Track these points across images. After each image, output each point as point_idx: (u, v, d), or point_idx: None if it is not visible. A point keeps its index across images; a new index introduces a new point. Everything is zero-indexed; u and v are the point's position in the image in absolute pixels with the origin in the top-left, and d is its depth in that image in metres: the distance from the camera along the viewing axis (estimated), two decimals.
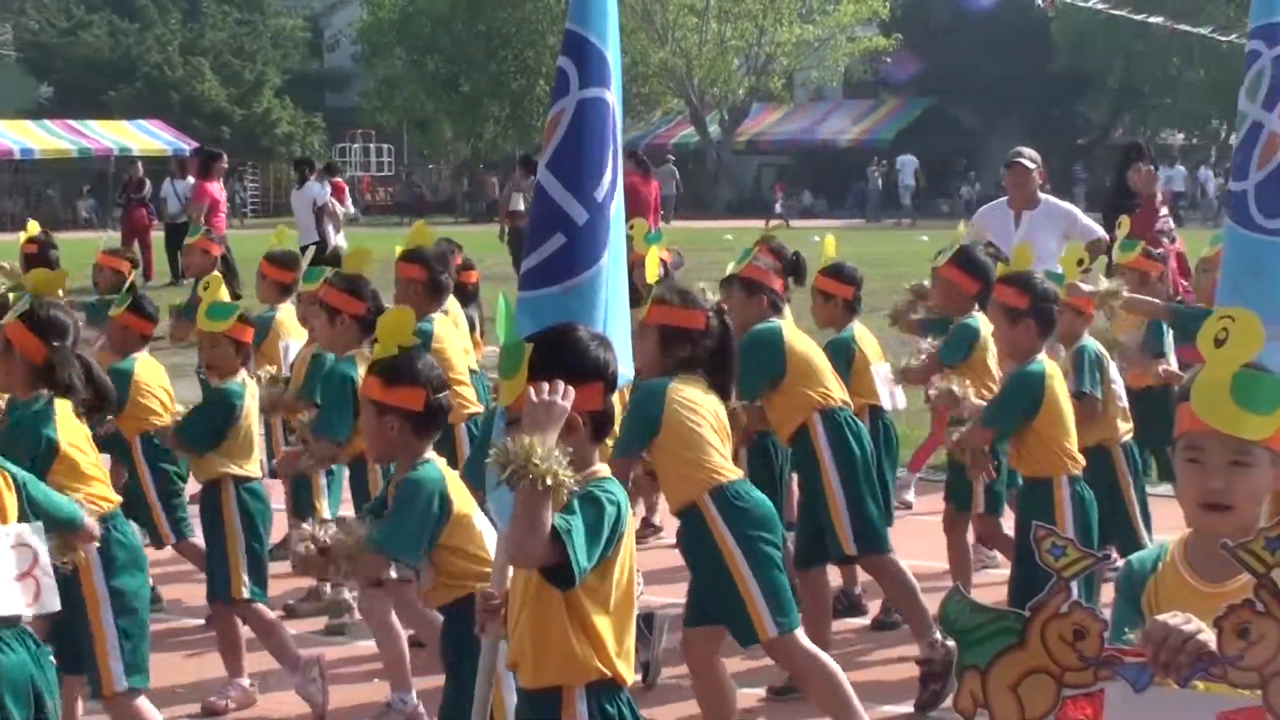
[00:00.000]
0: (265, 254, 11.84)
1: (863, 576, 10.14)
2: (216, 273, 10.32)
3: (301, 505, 10.65)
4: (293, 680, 8.73)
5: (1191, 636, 3.62)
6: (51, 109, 65.71)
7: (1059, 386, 8.38)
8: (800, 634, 7.59)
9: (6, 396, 7.32)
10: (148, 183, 36.69)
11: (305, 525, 6.65)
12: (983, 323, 9.62)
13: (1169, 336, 11.01)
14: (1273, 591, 3.56)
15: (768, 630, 7.42)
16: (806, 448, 8.93)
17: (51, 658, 6.02)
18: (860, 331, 10.00)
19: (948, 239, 10.57)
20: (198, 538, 9.84)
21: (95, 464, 7.01)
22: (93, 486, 6.86)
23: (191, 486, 9.86)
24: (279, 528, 10.36)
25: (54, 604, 5.75)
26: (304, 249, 25.46)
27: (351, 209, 33.07)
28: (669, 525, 11.68)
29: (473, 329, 11.56)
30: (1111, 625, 3.84)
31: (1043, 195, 13.49)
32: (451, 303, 11.08)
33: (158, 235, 34.31)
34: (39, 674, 5.81)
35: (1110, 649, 3.72)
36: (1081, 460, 8.42)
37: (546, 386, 4.87)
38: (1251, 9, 7.42)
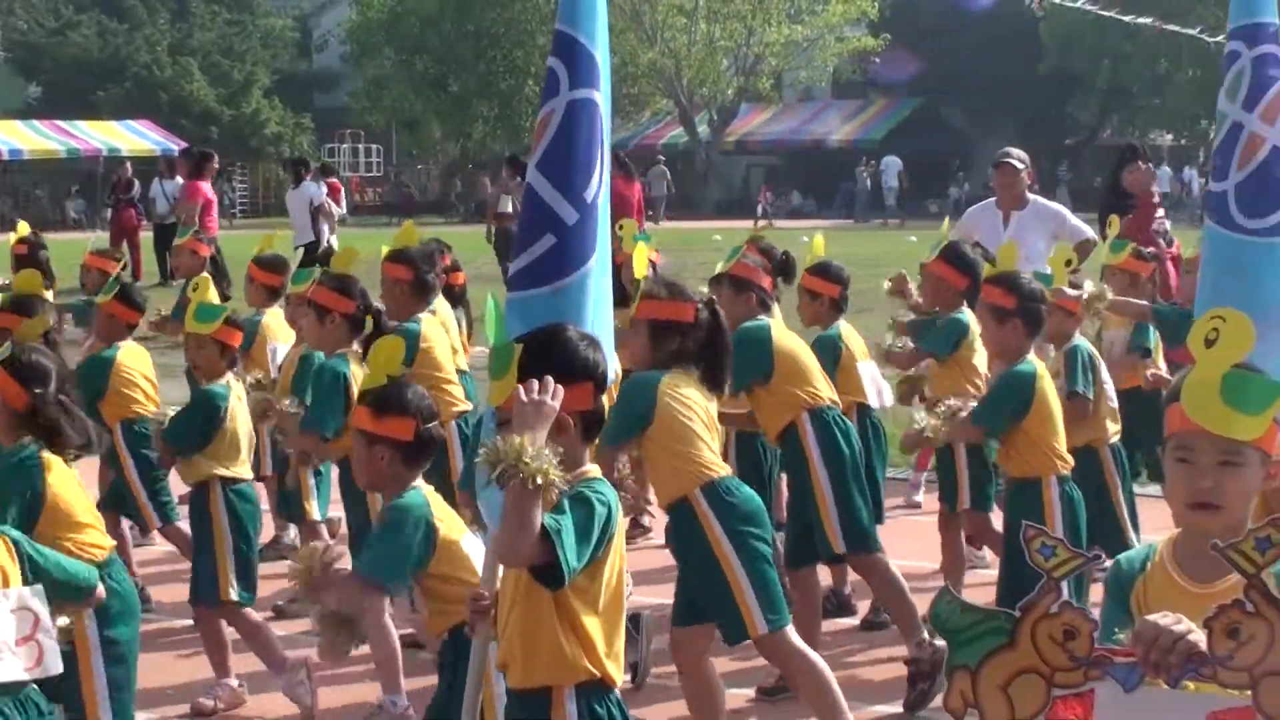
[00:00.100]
0: (253, 258, 11.82)
1: (852, 576, 10.14)
2: (206, 274, 10.33)
3: (290, 507, 10.64)
4: (280, 682, 8.72)
5: (1182, 637, 3.62)
6: (40, 109, 65.63)
7: (1048, 387, 8.40)
8: (790, 631, 7.58)
9: None
10: (136, 183, 36.63)
11: (318, 543, 6.71)
12: (972, 319, 9.63)
13: (1155, 336, 11.01)
14: (1263, 592, 3.56)
15: (758, 626, 7.42)
16: (795, 447, 8.93)
17: None
18: (847, 330, 10.01)
19: (935, 239, 10.60)
20: (184, 523, 9.85)
21: (88, 510, 6.88)
22: (86, 534, 6.75)
23: (182, 487, 9.85)
24: (267, 529, 10.35)
25: (56, 667, 5.70)
26: (299, 249, 25.53)
27: (344, 209, 33.03)
28: (658, 526, 11.69)
29: (460, 329, 11.55)
30: (1101, 625, 3.84)
31: (1031, 195, 13.50)
32: (440, 303, 11.08)
33: (146, 235, 34.25)
34: None
35: (1100, 649, 3.72)
36: (1070, 460, 8.43)
37: (536, 386, 4.87)
38: (1230, 10, 7.43)
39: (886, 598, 9.27)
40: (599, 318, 6.34)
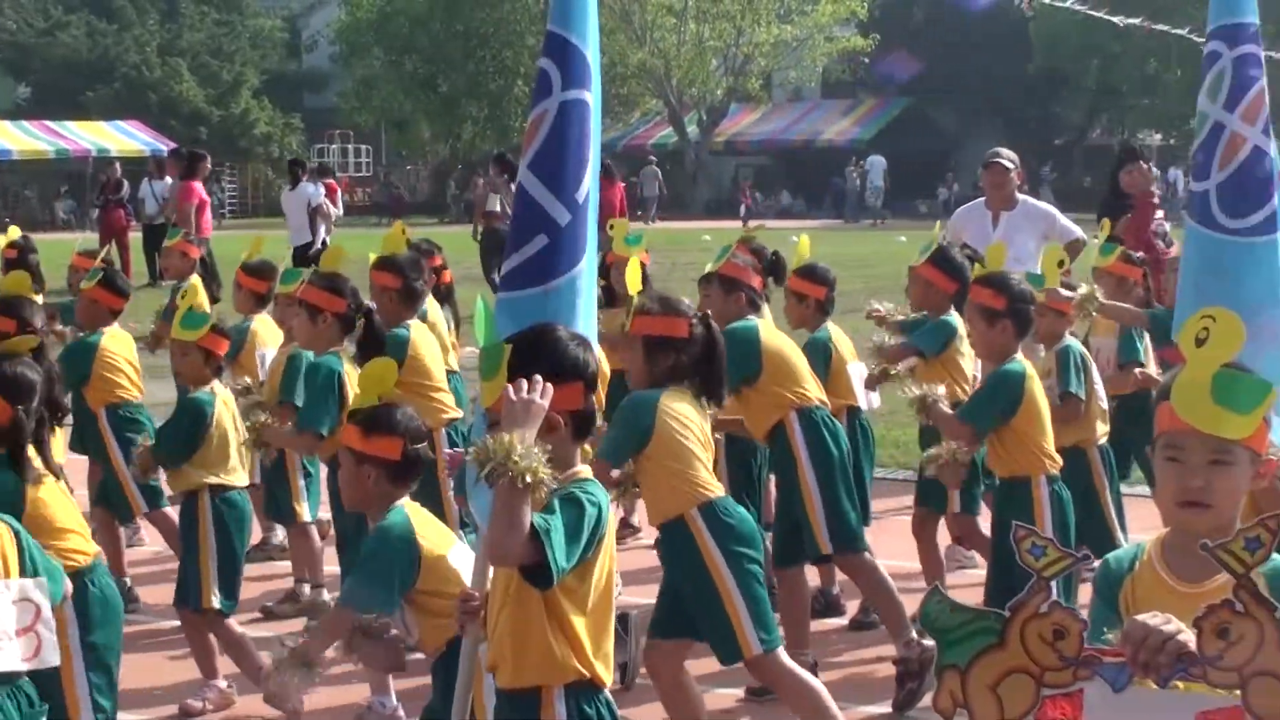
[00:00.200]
0: (241, 264, 11.81)
1: (840, 576, 10.14)
2: (196, 278, 10.33)
3: (279, 509, 10.63)
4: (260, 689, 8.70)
5: (1171, 637, 3.62)
6: (29, 110, 65.64)
7: (1036, 387, 8.40)
8: (782, 652, 7.57)
9: None
10: (125, 184, 36.60)
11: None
12: (960, 323, 9.64)
13: (1145, 343, 10.99)
14: (1252, 592, 3.56)
15: (752, 647, 7.40)
16: (783, 447, 8.93)
17: (44, 718, 5.96)
18: (836, 332, 10.02)
19: (925, 239, 10.59)
20: (170, 509, 9.84)
21: (71, 516, 6.86)
22: (68, 540, 6.72)
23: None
24: (255, 531, 10.34)
25: (54, 659, 5.72)
26: (296, 250, 25.46)
27: (341, 210, 32.97)
28: (647, 526, 11.68)
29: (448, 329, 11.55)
30: (1090, 625, 3.84)
31: (1020, 196, 13.49)
32: (431, 304, 11.09)
33: (135, 236, 34.21)
34: None
35: (1089, 649, 3.72)
36: (1059, 460, 8.43)
37: (525, 385, 4.87)
38: (1210, 10, 7.44)
39: (874, 597, 9.27)
40: (589, 318, 6.35)
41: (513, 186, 28.49)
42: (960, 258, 10.14)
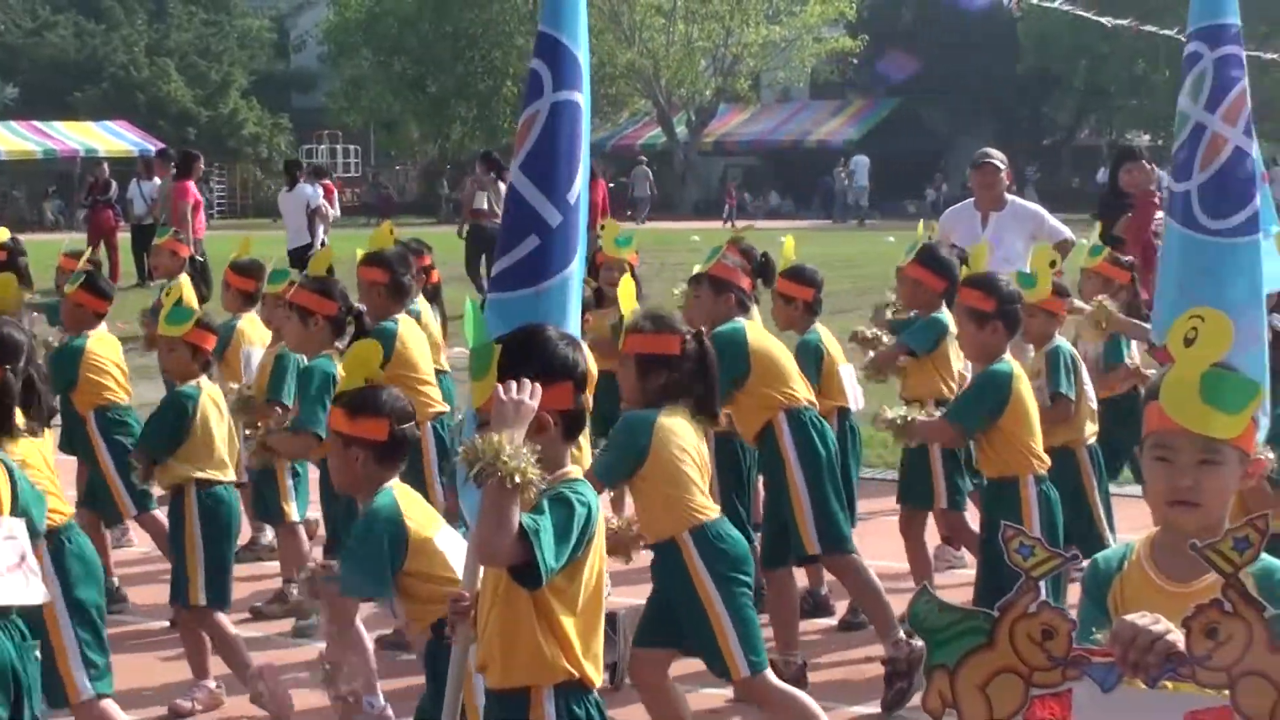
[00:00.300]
0: (229, 263, 11.81)
1: (829, 577, 10.14)
2: (185, 275, 10.31)
3: (267, 508, 10.62)
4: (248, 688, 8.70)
5: (1160, 637, 3.62)
6: (17, 110, 65.46)
7: (1025, 387, 8.41)
8: (770, 674, 7.56)
9: None
10: (114, 184, 36.54)
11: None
12: (951, 320, 9.64)
13: (1132, 348, 11.00)
14: (1240, 592, 3.57)
15: (740, 669, 7.39)
16: (772, 447, 8.93)
17: (36, 653, 5.99)
18: (825, 333, 10.02)
19: (912, 240, 10.61)
20: (159, 511, 9.84)
21: (48, 478, 6.90)
22: (46, 500, 6.77)
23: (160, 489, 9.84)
24: (244, 531, 10.33)
25: (42, 596, 5.77)
26: (292, 251, 25.42)
27: (338, 211, 32.90)
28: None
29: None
30: (1078, 625, 3.84)
31: (1009, 196, 13.50)
32: (425, 305, 11.09)
33: (124, 237, 34.15)
34: (21, 667, 5.79)
35: (1078, 649, 3.73)
36: (1046, 460, 8.44)
37: (515, 385, 4.87)
38: (1191, 11, 7.44)
39: (861, 598, 9.27)
40: (577, 319, 6.36)
41: (500, 184, 28.56)
42: (946, 254, 10.15)
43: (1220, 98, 7.21)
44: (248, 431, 9.87)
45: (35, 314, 12.28)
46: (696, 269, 9.39)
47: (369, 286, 9.95)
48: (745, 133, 75.57)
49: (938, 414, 8.80)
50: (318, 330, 9.21)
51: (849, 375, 10.02)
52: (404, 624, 6.66)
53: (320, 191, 28.84)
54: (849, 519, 9.20)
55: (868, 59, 70.61)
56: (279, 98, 74.01)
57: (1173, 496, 4.20)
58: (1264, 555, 3.78)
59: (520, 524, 4.77)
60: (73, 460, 10.78)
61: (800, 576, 9.71)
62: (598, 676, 5.22)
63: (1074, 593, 5.20)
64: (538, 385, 4.92)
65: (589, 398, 5.44)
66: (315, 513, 10.71)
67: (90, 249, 13.83)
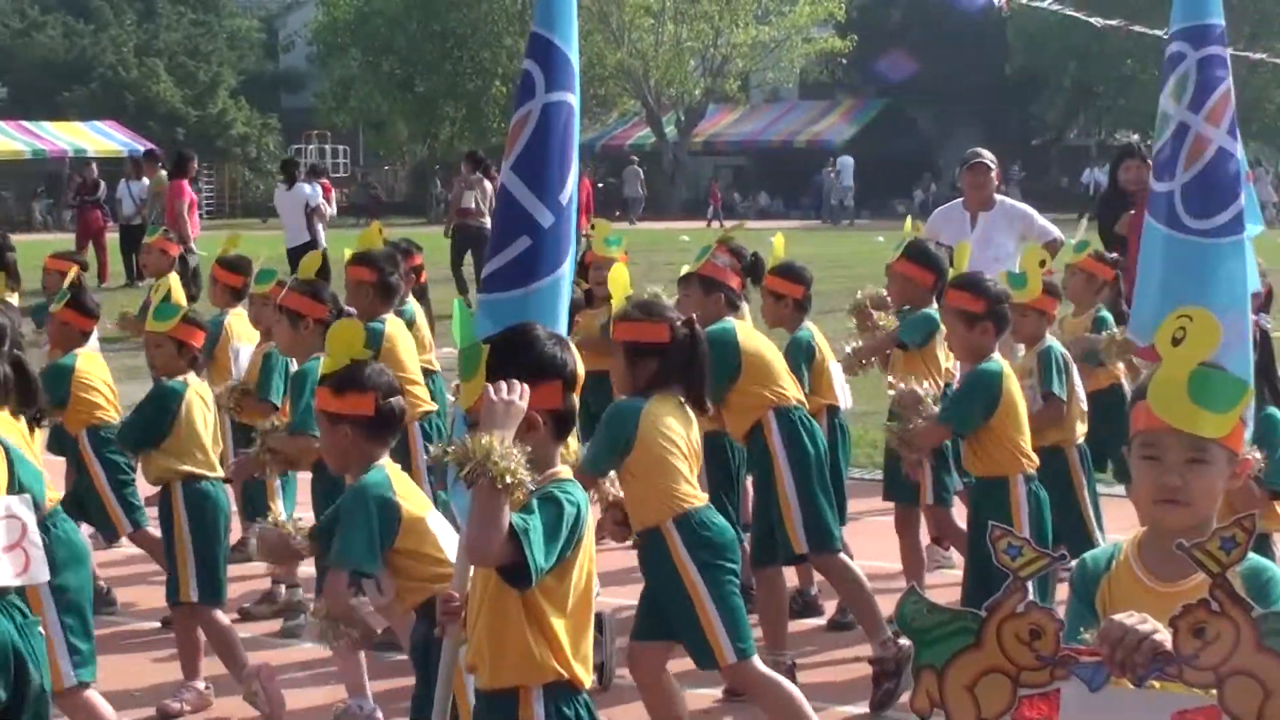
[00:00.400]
0: (216, 259, 11.81)
1: (819, 577, 10.14)
2: (174, 273, 10.30)
3: (256, 507, 10.60)
4: (242, 687, 8.69)
5: (1147, 636, 3.63)
6: (5, 110, 65.37)
7: (1014, 386, 8.41)
8: (757, 660, 7.56)
9: None
10: (102, 184, 36.53)
11: (260, 521, 6.77)
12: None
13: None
14: (1228, 591, 3.57)
15: (726, 656, 7.38)
16: (761, 446, 8.92)
17: (40, 628, 5.99)
18: (816, 331, 10.02)
19: (899, 238, 10.62)
20: (152, 528, 9.82)
21: (32, 459, 6.91)
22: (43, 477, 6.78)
23: (149, 489, 9.83)
24: (234, 531, 10.31)
25: (43, 574, 5.78)
26: (291, 250, 25.38)
27: (334, 210, 32.84)
28: None
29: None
30: (1066, 624, 3.85)
31: (998, 196, 13.51)
32: (416, 307, 11.08)
33: (112, 237, 34.14)
34: (23, 643, 5.79)
35: (1066, 648, 3.73)
36: (1035, 459, 8.44)
37: (504, 386, 4.87)
38: (1174, 11, 7.44)
39: (849, 597, 9.27)
40: (565, 319, 6.37)
41: (485, 183, 28.52)
42: (934, 249, 10.17)
43: (1204, 98, 7.21)
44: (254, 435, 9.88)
45: (23, 317, 12.26)
46: (685, 269, 9.39)
47: (356, 286, 9.95)
48: (734, 133, 75.61)
49: (935, 410, 8.79)
50: (308, 333, 9.19)
51: (839, 373, 10.02)
52: (389, 604, 6.64)
53: (319, 190, 28.81)
54: (838, 518, 9.20)
55: (857, 59, 70.66)
56: (268, 98, 73.97)
57: (1161, 496, 4.20)
58: (1252, 554, 3.79)
59: (510, 524, 4.78)
60: (60, 460, 10.76)
61: (790, 576, 9.71)
62: (587, 677, 5.22)
63: (1063, 592, 5.20)
64: (526, 385, 4.92)
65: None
66: (303, 513, 10.69)
67: (79, 249, 13.82)
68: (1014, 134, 70.65)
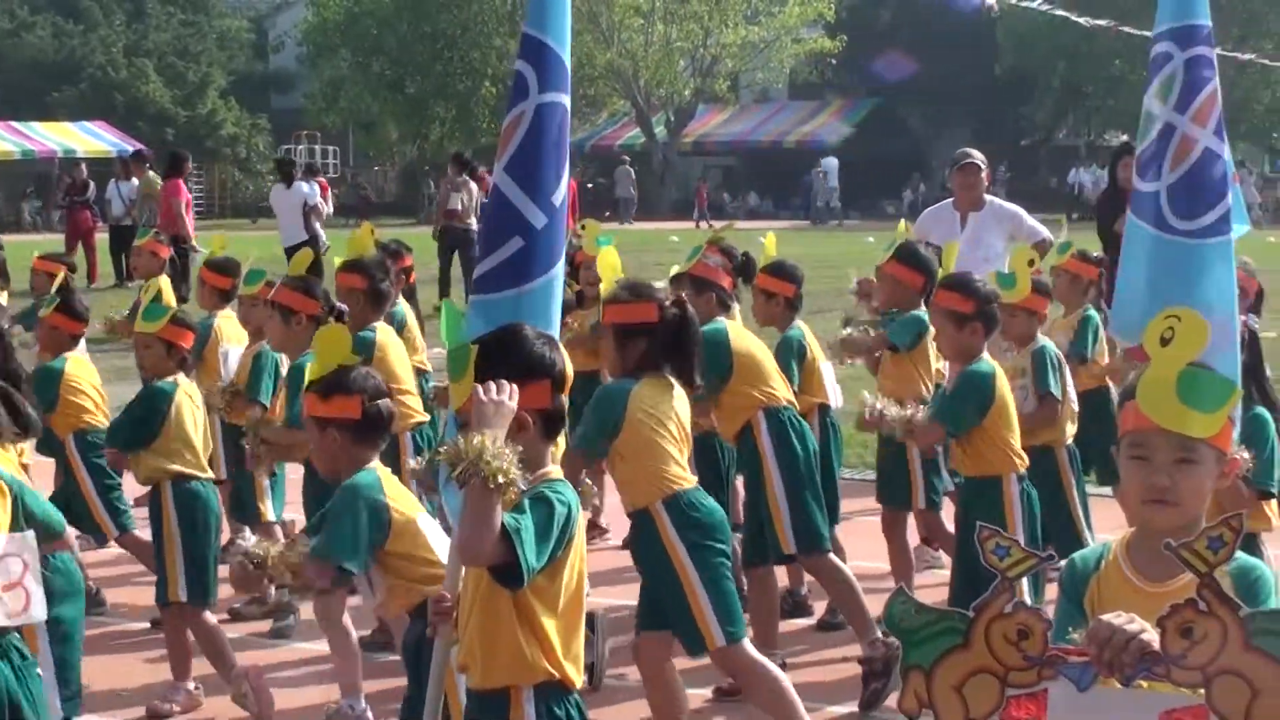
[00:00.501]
0: (204, 261, 11.80)
1: (809, 577, 10.15)
2: (165, 275, 10.28)
3: (244, 508, 10.59)
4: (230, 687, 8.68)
5: (1135, 636, 3.64)
6: None
7: (1004, 386, 8.42)
8: (747, 644, 7.57)
9: None
10: (92, 184, 36.48)
11: (241, 541, 6.72)
12: None
13: (1100, 345, 11.03)
14: (1215, 591, 3.58)
15: (716, 639, 7.39)
16: (750, 446, 8.93)
17: (38, 670, 5.95)
18: (807, 330, 10.02)
19: (890, 239, 10.61)
20: (139, 531, 9.80)
21: (39, 495, 6.87)
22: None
23: (139, 490, 9.82)
24: (224, 533, 10.31)
25: (41, 614, 5.72)
26: (288, 250, 25.32)
27: (330, 208, 32.79)
28: (615, 527, 11.70)
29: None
30: (1055, 624, 3.86)
31: (987, 197, 13.51)
32: (407, 308, 11.07)
33: (102, 238, 34.10)
34: (20, 689, 5.74)
35: (1054, 648, 3.74)
36: (1026, 459, 8.45)
37: (494, 386, 4.88)
38: (1159, 11, 7.43)
39: (838, 597, 9.27)
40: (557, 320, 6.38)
41: (471, 185, 28.48)
42: (924, 251, 10.17)
43: (1190, 99, 7.20)
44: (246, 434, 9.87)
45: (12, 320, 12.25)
46: (675, 269, 9.39)
47: (347, 293, 9.90)
48: (724, 133, 75.61)
49: (920, 413, 8.80)
50: (300, 329, 9.18)
51: (830, 373, 10.03)
52: (380, 603, 6.64)
53: (317, 189, 28.77)
54: (829, 518, 9.20)
55: (846, 60, 70.66)
56: (257, 98, 73.87)
57: (1150, 495, 4.21)
58: (1240, 554, 3.80)
59: (502, 524, 4.78)
60: (49, 461, 10.75)
61: (780, 576, 9.72)
62: (578, 677, 5.23)
63: (1052, 592, 5.21)
64: (515, 385, 4.92)
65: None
66: (292, 513, 10.70)
67: (68, 250, 13.82)
68: (1003, 134, 70.68)
